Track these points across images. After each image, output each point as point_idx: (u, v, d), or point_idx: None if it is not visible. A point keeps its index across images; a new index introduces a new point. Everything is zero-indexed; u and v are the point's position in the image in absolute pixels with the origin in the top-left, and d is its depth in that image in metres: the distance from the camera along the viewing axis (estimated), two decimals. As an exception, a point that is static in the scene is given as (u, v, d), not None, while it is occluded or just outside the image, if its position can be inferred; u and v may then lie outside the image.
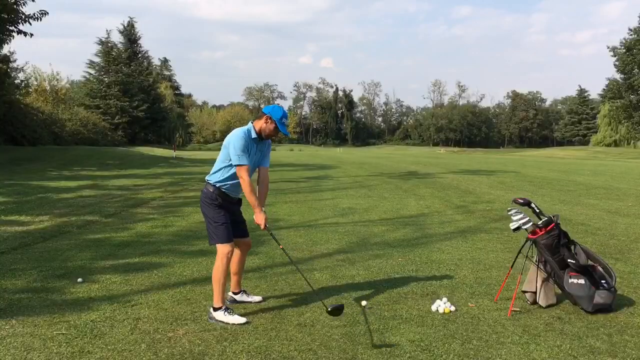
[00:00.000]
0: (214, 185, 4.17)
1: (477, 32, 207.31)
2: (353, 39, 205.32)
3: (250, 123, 4.27)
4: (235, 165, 4.06)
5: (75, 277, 5.13)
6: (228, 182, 4.17)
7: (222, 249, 4.10)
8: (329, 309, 3.86)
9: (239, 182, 4.11)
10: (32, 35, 22.47)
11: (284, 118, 4.18)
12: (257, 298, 4.54)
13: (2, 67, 26.96)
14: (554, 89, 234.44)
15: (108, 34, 53.00)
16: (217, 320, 4.01)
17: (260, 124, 4.17)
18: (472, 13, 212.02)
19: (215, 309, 4.06)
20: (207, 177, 4.27)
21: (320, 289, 4.85)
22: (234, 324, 3.95)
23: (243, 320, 3.98)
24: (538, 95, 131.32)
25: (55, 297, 4.55)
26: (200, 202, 4.29)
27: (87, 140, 38.41)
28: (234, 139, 4.09)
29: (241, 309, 4.27)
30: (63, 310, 4.21)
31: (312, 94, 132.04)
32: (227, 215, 4.17)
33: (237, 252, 4.39)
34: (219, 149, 4.32)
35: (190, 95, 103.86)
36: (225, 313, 4.02)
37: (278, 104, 4.36)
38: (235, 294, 4.50)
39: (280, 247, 4.23)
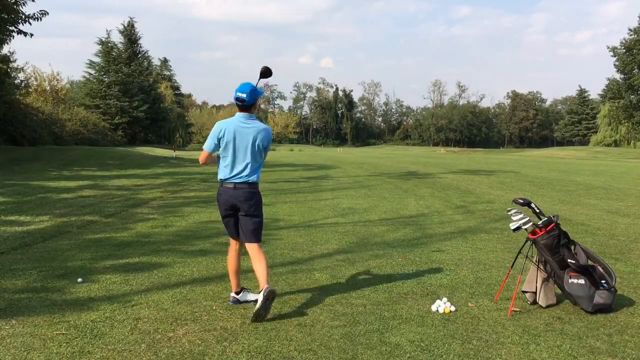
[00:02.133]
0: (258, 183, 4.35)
1: (477, 32, 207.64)
2: (353, 39, 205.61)
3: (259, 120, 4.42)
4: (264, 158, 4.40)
5: (75, 277, 5.13)
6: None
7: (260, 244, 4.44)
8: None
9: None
10: (32, 35, 22.44)
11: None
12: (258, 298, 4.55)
13: (2, 67, 26.93)
14: (554, 89, 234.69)
15: (108, 34, 52.85)
16: (243, 301, 4.41)
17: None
18: (471, 13, 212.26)
19: (237, 293, 4.44)
20: (251, 179, 4.24)
21: (320, 289, 4.86)
22: (254, 299, 4.24)
23: (255, 296, 4.28)
24: (538, 95, 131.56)
25: (55, 297, 4.55)
26: (255, 204, 4.28)
27: (87, 141, 38.35)
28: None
29: (241, 309, 4.28)
30: (63, 310, 4.20)
31: (312, 94, 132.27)
32: None
33: (237, 251, 4.45)
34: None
35: (190, 95, 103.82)
36: (246, 293, 4.47)
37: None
38: (237, 293, 4.50)
39: None
